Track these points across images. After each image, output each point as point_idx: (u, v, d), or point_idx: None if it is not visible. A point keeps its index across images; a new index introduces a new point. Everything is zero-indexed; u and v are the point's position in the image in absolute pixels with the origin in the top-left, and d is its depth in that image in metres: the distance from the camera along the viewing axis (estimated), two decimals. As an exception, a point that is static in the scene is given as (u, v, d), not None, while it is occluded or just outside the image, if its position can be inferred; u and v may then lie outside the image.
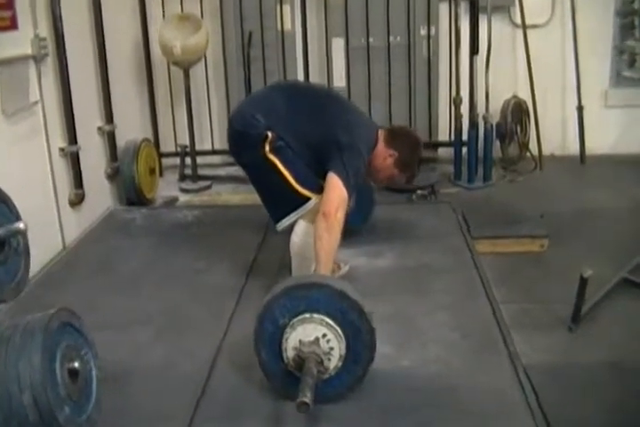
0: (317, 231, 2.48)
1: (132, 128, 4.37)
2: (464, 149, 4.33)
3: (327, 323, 2.02)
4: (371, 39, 4.46)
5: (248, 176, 2.84)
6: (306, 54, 4.46)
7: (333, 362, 2.04)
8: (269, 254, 3.24)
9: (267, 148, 2.58)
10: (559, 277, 2.94)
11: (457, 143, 4.34)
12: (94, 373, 1.82)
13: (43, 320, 1.65)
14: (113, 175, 4.11)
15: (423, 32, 4.42)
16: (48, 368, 1.60)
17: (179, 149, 4.67)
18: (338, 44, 4.51)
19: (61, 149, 3.47)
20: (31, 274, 3.09)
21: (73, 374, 1.70)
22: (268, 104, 2.71)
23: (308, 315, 2.03)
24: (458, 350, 2.40)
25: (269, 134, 2.58)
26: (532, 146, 4.56)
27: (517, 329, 2.57)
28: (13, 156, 3.06)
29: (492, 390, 2.17)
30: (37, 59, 3.20)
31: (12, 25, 3.00)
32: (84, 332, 1.82)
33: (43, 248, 3.29)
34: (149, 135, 4.63)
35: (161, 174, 4.77)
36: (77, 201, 3.62)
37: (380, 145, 2.81)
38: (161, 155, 4.77)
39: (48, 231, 3.39)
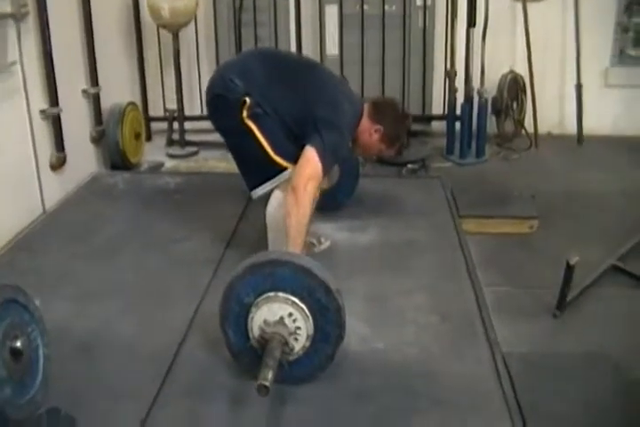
0: (286, 207, 2.42)
1: (120, 91, 4.27)
2: (458, 124, 4.23)
3: (293, 302, 1.96)
4: (365, 7, 4.32)
5: (225, 142, 2.77)
6: (298, 20, 4.33)
7: (301, 342, 1.99)
8: (251, 224, 3.17)
9: (244, 113, 2.50)
10: (547, 260, 2.88)
11: (450, 117, 4.25)
12: (41, 351, 1.74)
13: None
14: (98, 139, 4.02)
15: (419, 2, 4.28)
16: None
17: (167, 114, 4.56)
18: (331, 11, 4.37)
19: (42, 112, 3.37)
20: (9, 237, 3.11)
21: (15, 353, 1.62)
22: (247, 70, 2.61)
23: (272, 293, 1.97)
24: (435, 334, 2.35)
25: (247, 100, 2.50)
26: (529, 123, 4.46)
27: (500, 314, 2.52)
28: (-9, 116, 2.98)
29: (468, 377, 2.13)
30: (17, 17, 3.07)
31: (-10, -19, 2.88)
32: (32, 308, 1.74)
33: (22, 211, 3.26)
34: (138, 99, 4.53)
35: (149, 139, 4.70)
36: (59, 164, 3.54)
37: (365, 120, 2.72)
38: (150, 119, 4.68)
39: (27, 194, 3.33)
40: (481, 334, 2.34)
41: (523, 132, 4.46)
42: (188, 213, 3.36)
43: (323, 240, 3.01)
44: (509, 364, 2.18)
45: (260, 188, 2.61)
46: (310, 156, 2.43)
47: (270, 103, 2.54)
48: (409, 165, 4.05)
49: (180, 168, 4.26)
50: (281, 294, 1.96)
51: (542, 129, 4.51)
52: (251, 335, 2.01)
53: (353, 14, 4.36)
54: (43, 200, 3.43)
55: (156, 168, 4.27)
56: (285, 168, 2.54)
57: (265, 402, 1.98)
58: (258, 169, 2.60)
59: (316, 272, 1.97)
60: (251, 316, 1.99)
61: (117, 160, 4.07)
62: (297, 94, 2.58)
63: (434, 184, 3.74)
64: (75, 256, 2.94)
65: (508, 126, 4.46)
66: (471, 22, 3.99)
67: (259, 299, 1.98)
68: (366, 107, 2.76)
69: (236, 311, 2.03)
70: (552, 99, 4.58)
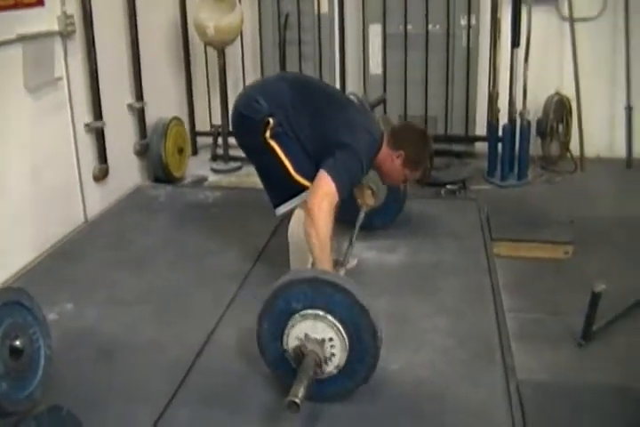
0: (305, 228, 2.44)
1: (166, 106, 4.40)
2: (500, 146, 4.17)
3: (338, 329, 1.96)
4: (409, 26, 4.33)
5: (250, 160, 2.83)
6: (342, 39, 4.39)
7: (329, 368, 2.00)
8: (282, 241, 3.14)
9: (267, 133, 2.56)
10: (579, 287, 2.72)
11: (491, 139, 4.17)
12: (42, 352, 1.84)
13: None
14: (142, 152, 4.14)
15: (463, 21, 4.25)
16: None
17: (212, 129, 4.66)
18: (375, 31, 4.39)
19: (86, 125, 3.50)
20: (49, 245, 3.23)
21: (15, 351, 1.71)
22: (272, 92, 2.67)
23: (322, 313, 1.97)
24: (450, 358, 2.32)
25: (270, 120, 2.56)
26: (576, 146, 4.35)
27: (522, 340, 2.47)
28: (37, 129, 3.12)
29: (478, 402, 2.09)
30: (64, 35, 3.22)
31: (39, 2, 3.03)
32: (35, 311, 1.84)
33: (64, 220, 3.38)
34: (185, 114, 4.64)
35: (195, 153, 4.81)
36: (101, 176, 3.67)
37: (385, 148, 2.71)
38: (196, 134, 4.79)
39: (70, 204, 3.46)
40: (498, 360, 2.29)
41: (568, 155, 4.35)
42: (223, 227, 3.43)
43: (350, 259, 3.00)
44: (524, 391, 2.12)
45: (283, 206, 2.66)
46: (323, 178, 2.46)
47: (292, 125, 2.59)
48: (448, 186, 4.01)
49: (222, 183, 4.33)
50: (330, 318, 1.97)
51: (591, 152, 4.40)
52: (284, 341, 2.01)
53: (396, 34, 4.37)
54: (85, 210, 3.56)
55: (199, 182, 4.36)
56: (307, 187, 2.56)
57: (267, 414, 2.01)
58: (280, 187, 2.64)
59: (371, 315, 1.97)
60: (292, 323, 2.00)
61: (160, 173, 4.17)
62: (317, 120, 2.62)
63: (470, 206, 3.69)
64: (109, 264, 3.05)
65: (554, 149, 4.37)
66: (515, 42, 3.93)
67: (308, 311, 1.98)
68: (386, 135, 2.75)
69: (279, 309, 2.02)
70: (601, 121, 4.45)
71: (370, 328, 1.97)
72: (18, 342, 1.71)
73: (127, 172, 4.01)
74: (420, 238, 3.26)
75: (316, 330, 1.97)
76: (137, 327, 2.52)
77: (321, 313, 1.97)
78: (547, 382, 2.22)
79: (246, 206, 3.72)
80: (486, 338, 2.43)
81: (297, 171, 2.56)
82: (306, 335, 1.97)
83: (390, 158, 2.71)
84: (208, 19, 4.09)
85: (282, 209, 2.66)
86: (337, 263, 2.67)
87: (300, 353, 1.97)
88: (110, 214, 3.68)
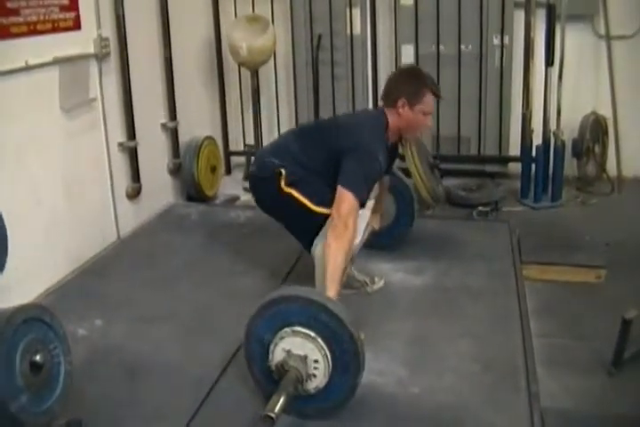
0: (327, 240, 2.45)
1: (200, 126, 4.45)
2: (534, 167, 4.11)
3: (325, 354, 1.98)
4: (441, 47, 4.32)
5: (273, 216, 2.87)
6: (375, 60, 4.39)
7: (308, 386, 2.03)
8: (309, 262, 3.17)
9: (282, 182, 2.64)
10: (611, 313, 2.64)
11: (525, 159, 4.11)
12: (63, 367, 1.87)
13: (4, 314, 1.69)
14: (175, 171, 4.20)
15: (496, 41, 4.22)
16: (5, 358, 1.65)
17: (246, 149, 4.71)
18: (407, 51, 4.39)
19: (120, 144, 3.57)
20: (82, 261, 3.28)
21: (35, 366, 1.75)
22: (281, 148, 2.78)
23: (313, 334, 1.99)
24: (474, 383, 2.26)
25: (282, 171, 2.64)
26: (613, 167, 4.27)
27: (551, 366, 2.41)
28: (71, 148, 3.19)
29: (499, 429, 2.03)
30: (99, 57, 3.30)
31: (75, 26, 3.12)
32: (56, 327, 1.87)
33: (97, 238, 3.43)
34: (219, 133, 4.70)
35: (229, 172, 4.85)
36: (134, 194, 3.73)
37: (389, 111, 2.69)
38: (230, 153, 4.84)
39: (103, 222, 3.51)
40: (522, 387, 2.23)
41: (605, 176, 4.26)
42: (252, 247, 3.44)
43: (377, 280, 2.99)
44: (548, 419, 2.06)
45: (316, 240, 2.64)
46: (344, 195, 2.47)
47: (303, 167, 2.66)
48: (480, 208, 3.96)
49: (253, 202, 4.33)
50: (320, 341, 1.99)
51: (628, 173, 4.31)
52: (271, 348, 2.04)
53: (429, 54, 4.37)
54: (118, 227, 3.61)
55: (231, 201, 4.39)
56: (328, 215, 2.56)
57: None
58: (307, 225, 2.65)
59: (362, 359, 2.00)
60: (281, 335, 2.02)
61: (193, 192, 4.22)
62: (323, 147, 2.66)
63: (501, 228, 3.63)
64: (139, 282, 3.08)
65: (590, 170, 4.29)
66: (549, 61, 3.88)
67: (299, 328, 2.00)
68: (381, 101, 2.75)
69: (271, 321, 2.05)
70: (639, 141, 4.35)
71: (360, 368, 2.00)
72: (38, 358, 1.74)
73: (160, 190, 4.06)
74: (449, 261, 3.21)
75: (302, 347, 2.00)
76: (162, 345, 2.54)
77: (312, 334, 1.99)
78: (572, 411, 2.16)
79: (276, 226, 3.68)
80: (511, 364, 2.37)
81: (317, 204, 2.60)
82: (289, 351, 2.00)
83: (397, 114, 2.67)
84: (241, 39, 4.15)
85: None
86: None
87: (281, 368, 1.99)
88: (142, 232, 3.74)
